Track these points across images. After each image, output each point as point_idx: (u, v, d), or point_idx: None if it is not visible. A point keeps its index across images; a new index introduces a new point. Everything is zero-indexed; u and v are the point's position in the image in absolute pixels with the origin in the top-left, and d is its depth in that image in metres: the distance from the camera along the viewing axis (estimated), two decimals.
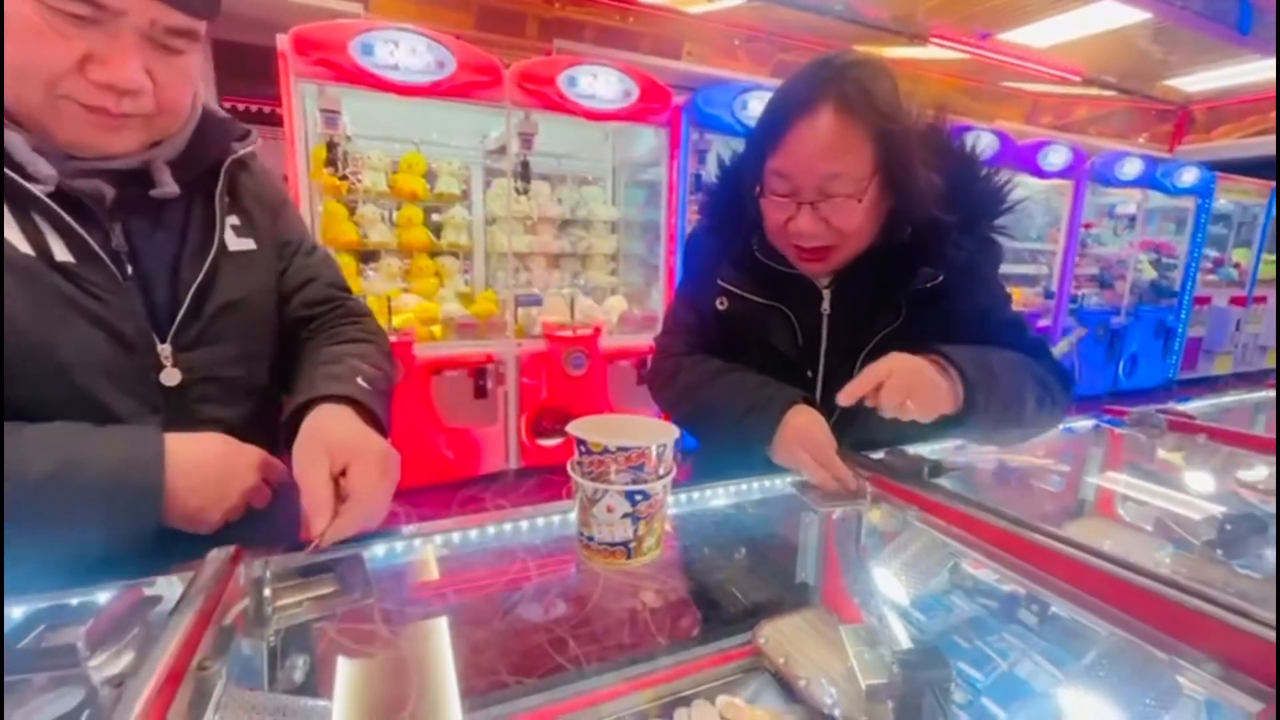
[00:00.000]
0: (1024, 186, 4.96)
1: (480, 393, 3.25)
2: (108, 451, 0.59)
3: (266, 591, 0.51)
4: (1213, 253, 6.54)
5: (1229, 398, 1.43)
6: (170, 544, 0.59)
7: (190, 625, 0.44)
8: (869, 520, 0.77)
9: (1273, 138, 6.84)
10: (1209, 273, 6.41)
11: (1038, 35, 5.54)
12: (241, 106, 4.33)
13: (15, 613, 0.49)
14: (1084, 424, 1.14)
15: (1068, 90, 6.81)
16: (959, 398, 0.77)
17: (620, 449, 0.58)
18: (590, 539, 0.63)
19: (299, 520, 0.58)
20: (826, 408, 0.83)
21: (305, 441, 0.62)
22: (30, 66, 0.54)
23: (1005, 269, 0.98)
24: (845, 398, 0.75)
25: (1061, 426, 1.12)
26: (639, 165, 4.01)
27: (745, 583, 0.87)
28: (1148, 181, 5.44)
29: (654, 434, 0.61)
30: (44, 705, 0.44)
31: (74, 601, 0.52)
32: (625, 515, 0.60)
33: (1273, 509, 0.92)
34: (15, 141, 0.56)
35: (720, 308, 0.98)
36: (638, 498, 0.60)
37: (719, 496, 0.82)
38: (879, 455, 0.81)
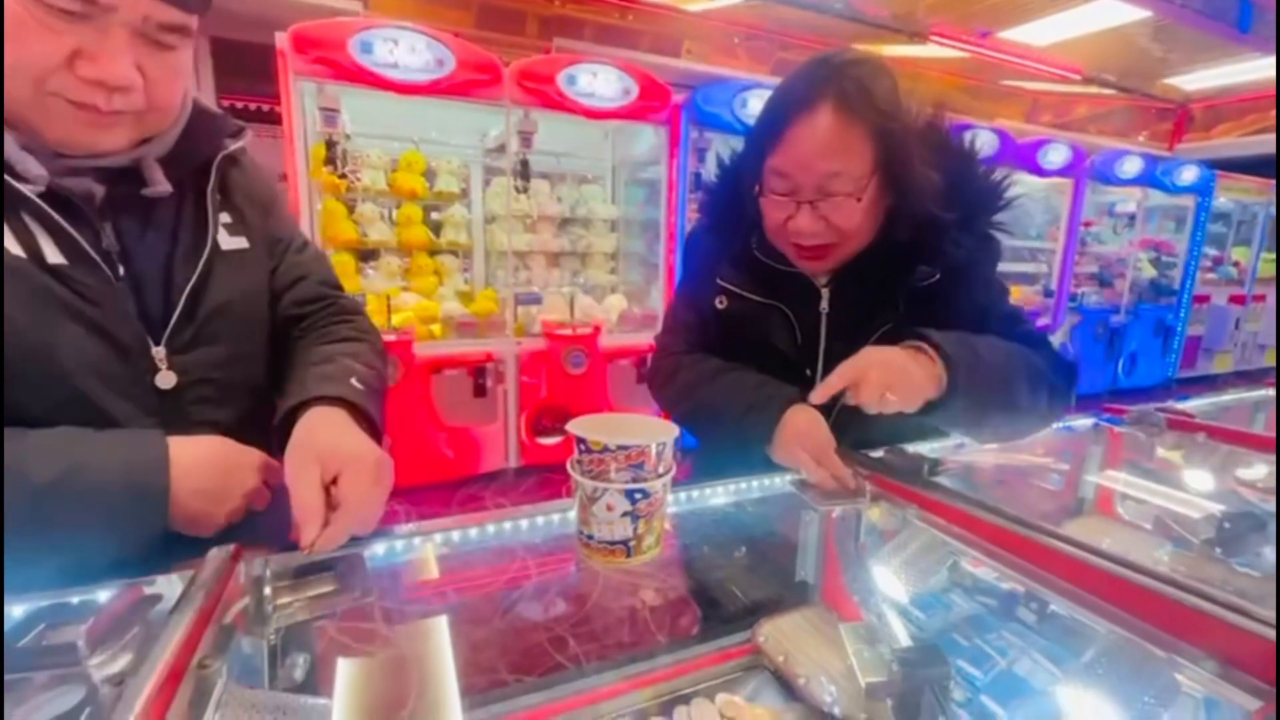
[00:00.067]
0: (1024, 185, 4.96)
1: (480, 391, 3.25)
2: (112, 457, 0.58)
3: (267, 590, 0.51)
4: (1212, 251, 6.54)
5: (1228, 396, 1.43)
6: (170, 545, 0.59)
7: (191, 624, 0.44)
8: (868, 519, 0.77)
9: (1272, 136, 6.84)
10: (1208, 271, 6.41)
11: (1037, 33, 5.54)
12: (240, 105, 4.32)
13: (16, 611, 0.49)
14: (1083, 422, 1.14)
15: (1067, 88, 6.81)
16: (941, 379, 0.75)
17: (620, 447, 0.58)
18: (590, 537, 0.63)
19: (290, 522, 0.58)
20: (826, 407, 0.83)
21: (296, 448, 0.61)
22: (18, 63, 0.53)
23: (1005, 267, 0.98)
24: (817, 396, 0.75)
25: (1060, 425, 1.12)
26: (639, 164, 4.00)
27: (745, 581, 0.87)
28: (1147, 180, 5.44)
29: (653, 432, 0.61)
30: (44, 704, 0.44)
31: (74, 600, 0.52)
32: (625, 514, 0.60)
33: (1271, 507, 0.93)
34: (5, 140, 0.55)
35: (719, 306, 0.98)
36: (637, 496, 0.60)
37: (719, 495, 0.82)
38: (878, 454, 0.81)
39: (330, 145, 2.96)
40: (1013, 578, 0.62)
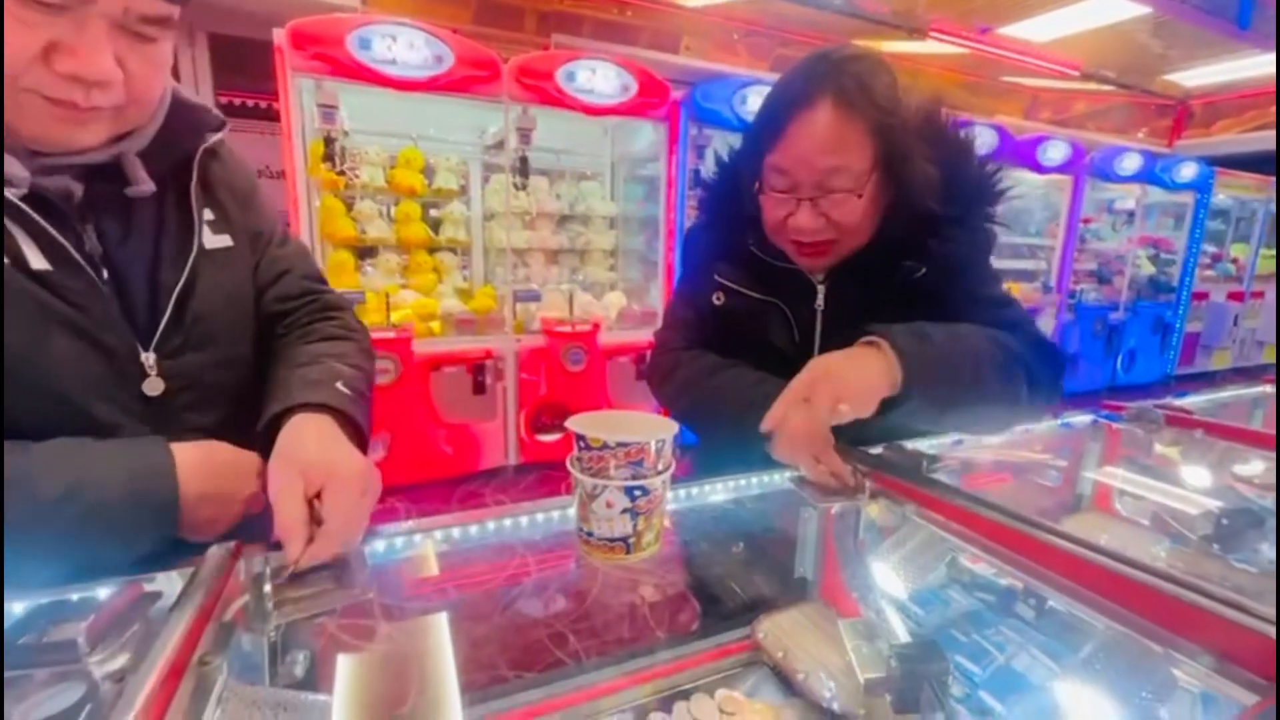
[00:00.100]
0: (1023, 182, 4.97)
1: (479, 388, 3.25)
2: (118, 467, 0.57)
3: (266, 587, 0.51)
4: (1211, 248, 6.54)
5: (1226, 393, 1.43)
6: (173, 547, 0.59)
7: (191, 621, 0.44)
8: (867, 515, 0.77)
9: (1272, 133, 6.84)
10: (1207, 268, 6.42)
11: (1037, 30, 5.52)
12: (238, 101, 4.31)
13: (16, 608, 0.49)
14: (1082, 419, 1.14)
15: (1067, 85, 6.80)
16: (895, 375, 0.72)
17: (619, 444, 0.59)
18: (589, 534, 0.63)
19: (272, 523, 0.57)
20: None
21: (279, 460, 0.59)
22: None
23: (1005, 264, 0.98)
24: (767, 424, 0.72)
25: (1059, 421, 1.13)
26: (638, 160, 4.00)
27: (744, 577, 0.87)
28: (1146, 177, 5.45)
29: (653, 429, 0.62)
30: (45, 701, 0.44)
31: (75, 597, 0.52)
32: (624, 510, 0.60)
33: (1268, 503, 0.93)
34: None
35: (717, 303, 0.98)
36: (637, 493, 0.60)
37: (718, 492, 0.83)
38: (877, 450, 0.81)
39: (329, 142, 2.95)
40: (1011, 574, 0.62)
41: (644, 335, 3.55)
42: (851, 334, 0.89)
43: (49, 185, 0.57)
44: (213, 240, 0.70)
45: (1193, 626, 0.45)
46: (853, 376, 0.72)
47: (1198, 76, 6.85)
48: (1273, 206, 6.54)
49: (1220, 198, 6.20)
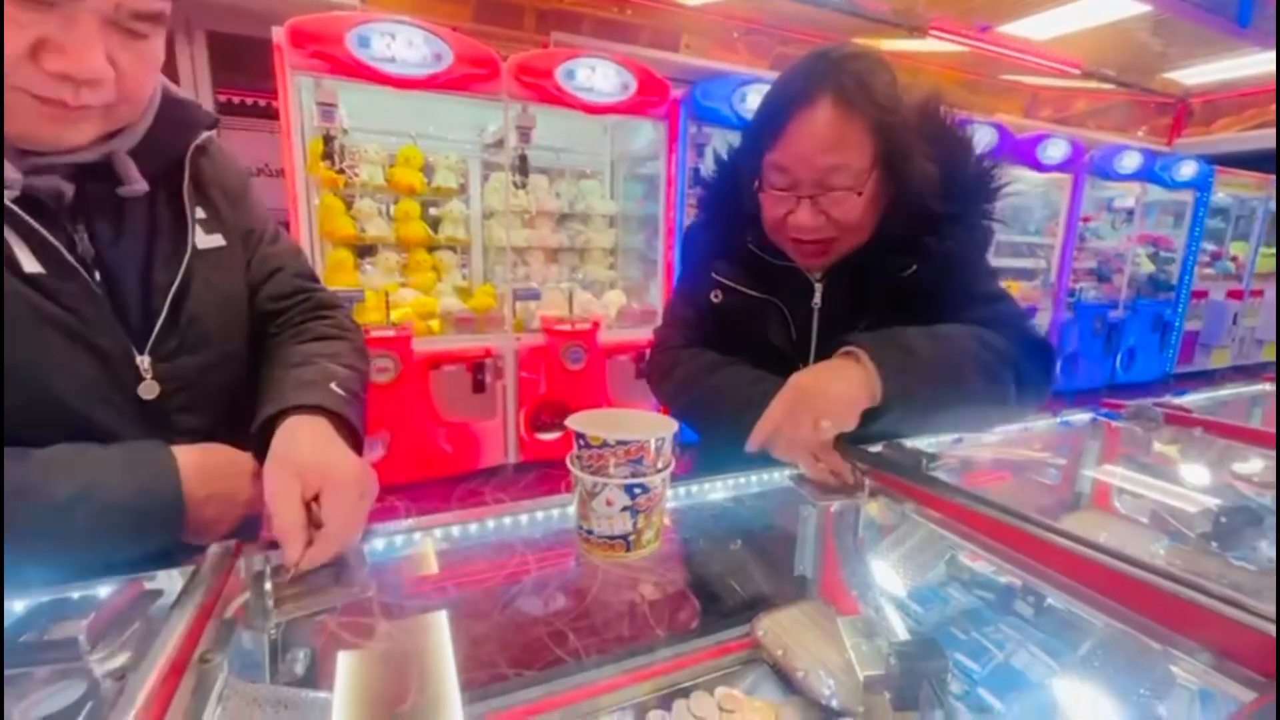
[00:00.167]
0: (1023, 180, 4.97)
1: (479, 387, 3.25)
2: (122, 474, 0.57)
3: (267, 585, 0.51)
4: (1210, 246, 6.54)
5: (1225, 391, 1.43)
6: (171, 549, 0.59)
7: (192, 618, 0.44)
8: (867, 513, 0.77)
9: (1272, 131, 6.84)
10: (1206, 266, 6.42)
11: (1037, 28, 5.52)
12: (237, 99, 4.30)
13: (17, 606, 0.49)
14: (1081, 417, 1.14)
15: (1067, 83, 6.79)
16: (875, 386, 0.73)
17: (619, 443, 0.59)
18: (589, 532, 0.63)
19: (261, 521, 0.57)
20: None
21: (275, 464, 0.58)
22: None
23: (1004, 262, 0.98)
24: (752, 445, 0.73)
25: (1058, 420, 1.13)
26: (637, 159, 4.00)
27: (744, 575, 0.87)
28: (1146, 175, 5.45)
29: (653, 427, 0.62)
30: (46, 699, 0.44)
31: (75, 595, 0.52)
32: (624, 508, 0.60)
33: (1267, 501, 0.93)
34: None
35: (715, 301, 0.98)
36: (637, 491, 0.60)
37: (717, 490, 0.83)
38: (876, 449, 0.81)
39: (328, 140, 2.95)
40: (1010, 572, 0.62)
41: (644, 334, 3.54)
42: (849, 331, 0.89)
43: (39, 185, 0.56)
44: (205, 240, 0.70)
45: (1191, 624, 0.45)
46: (832, 392, 0.72)
47: (1197, 75, 6.84)
48: (1272, 205, 6.54)
49: (1220, 196, 6.20)
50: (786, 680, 0.65)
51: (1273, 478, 0.98)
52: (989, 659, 0.69)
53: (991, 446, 1.05)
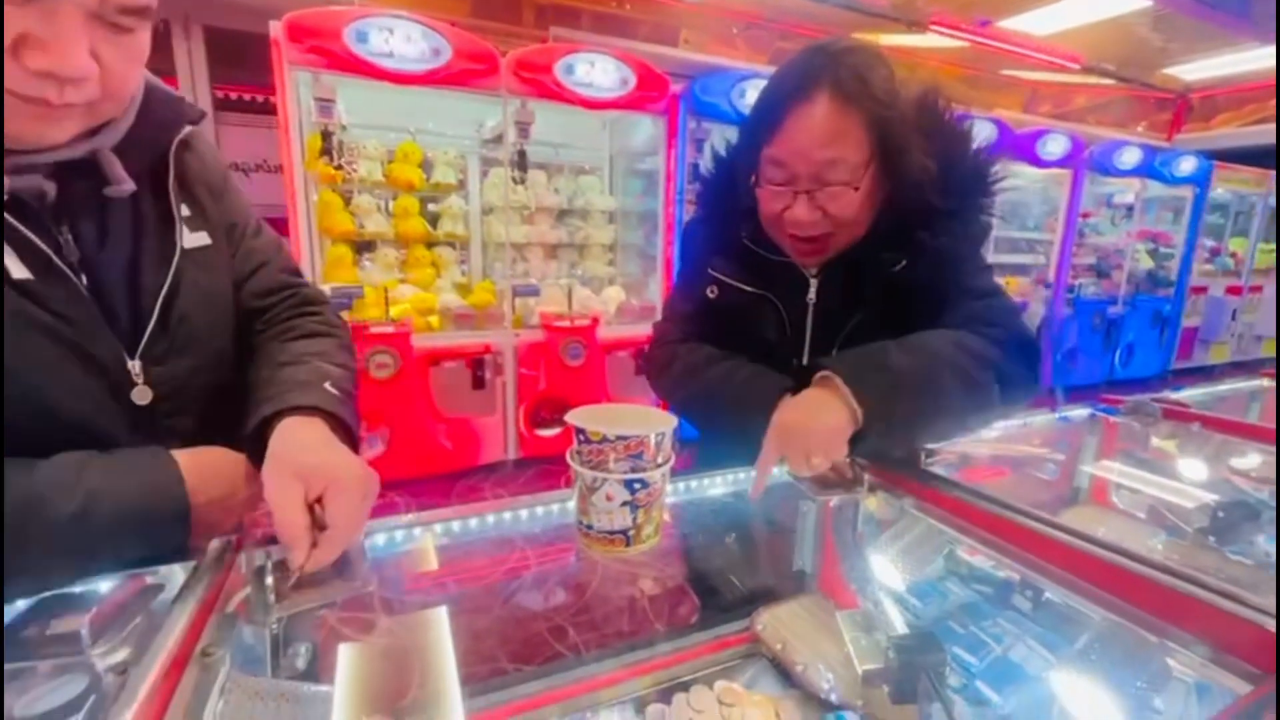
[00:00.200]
0: (1022, 176, 4.96)
1: (478, 383, 3.25)
2: (127, 481, 0.57)
3: (268, 580, 0.51)
4: (1209, 242, 6.54)
5: (1224, 386, 1.44)
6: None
7: (193, 613, 0.45)
8: (866, 508, 0.78)
9: (1272, 126, 6.83)
10: (1205, 262, 6.42)
11: (1037, 23, 5.50)
12: (235, 95, 4.29)
13: (19, 601, 0.49)
14: (1079, 413, 1.15)
15: (1066, 78, 6.77)
16: (855, 411, 0.72)
17: (619, 438, 0.59)
18: (589, 527, 0.63)
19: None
20: None
21: (276, 466, 0.57)
22: None
23: (1003, 258, 0.97)
24: (754, 492, 0.73)
25: (1057, 415, 1.13)
26: (636, 154, 3.98)
27: (743, 570, 0.88)
28: (1146, 171, 5.44)
29: (652, 423, 0.62)
30: (48, 693, 0.44)
31: (77, 590, 0.52)
32: (624, 503, 0.61)
33: (1264, 496, 0.93)
34: None
35: (711, 296, 0.98)
36: (636, 486, 0.60)
37: (717, 485, 0.83)
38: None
39: (326, 136, 2.94)
40: (1008, 566, 0.62)
41: (643, 330, 3.54)
42: (838, 327, 0.88)
43: (21, 185, 0.54)
44: (191, 239, 0.68)
45: (1188, 617, 0.45)
46: (816, 427, 0.72)
47: (1197, 70, 6.82)
48: (1272, 200, 6.53)
49: (1219, 192, 6.20)
50: (786, 674, 0.65)
51: (1271, 473, 0.98)
52: (987, 653, 0.69)
53: (990, 442, 1.06)
